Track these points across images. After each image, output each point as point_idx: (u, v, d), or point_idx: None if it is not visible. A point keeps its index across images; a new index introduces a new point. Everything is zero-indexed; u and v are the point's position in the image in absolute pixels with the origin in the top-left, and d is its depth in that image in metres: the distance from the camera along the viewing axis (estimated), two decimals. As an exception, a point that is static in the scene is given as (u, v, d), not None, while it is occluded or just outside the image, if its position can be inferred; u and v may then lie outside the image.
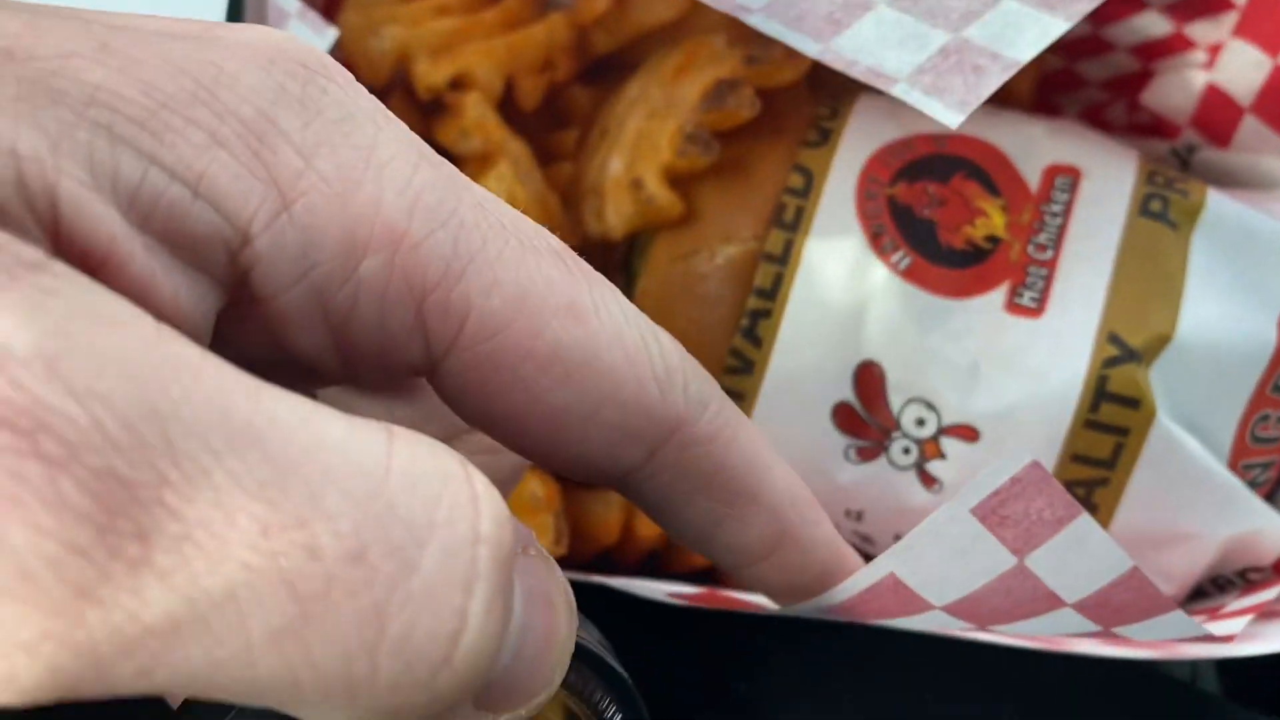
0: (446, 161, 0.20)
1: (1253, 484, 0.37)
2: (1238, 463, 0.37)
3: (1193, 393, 0.36)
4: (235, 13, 0.36)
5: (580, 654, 0.24)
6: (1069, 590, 0.30)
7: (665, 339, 0.22)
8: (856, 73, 0.29)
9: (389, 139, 0.19)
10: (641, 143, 0.40)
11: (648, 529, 0.41)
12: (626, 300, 0.22)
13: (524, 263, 0.20)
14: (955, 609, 0.30)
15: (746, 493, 0.23)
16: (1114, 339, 0.35)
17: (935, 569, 0.29)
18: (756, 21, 0.31)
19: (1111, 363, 0.35)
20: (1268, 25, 0.40)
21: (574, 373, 0.20)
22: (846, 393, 0.37)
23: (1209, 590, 0.39)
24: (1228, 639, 0.33)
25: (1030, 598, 0.30)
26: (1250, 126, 0.42)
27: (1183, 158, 0.44)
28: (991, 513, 0.29)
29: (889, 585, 0.29)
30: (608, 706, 0.24)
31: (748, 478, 0.23)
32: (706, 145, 0.38)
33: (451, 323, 0.20)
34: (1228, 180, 0.42)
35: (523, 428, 0.21)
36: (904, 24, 0.30)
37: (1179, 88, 0.46)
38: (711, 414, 0.22)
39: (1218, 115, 0.43)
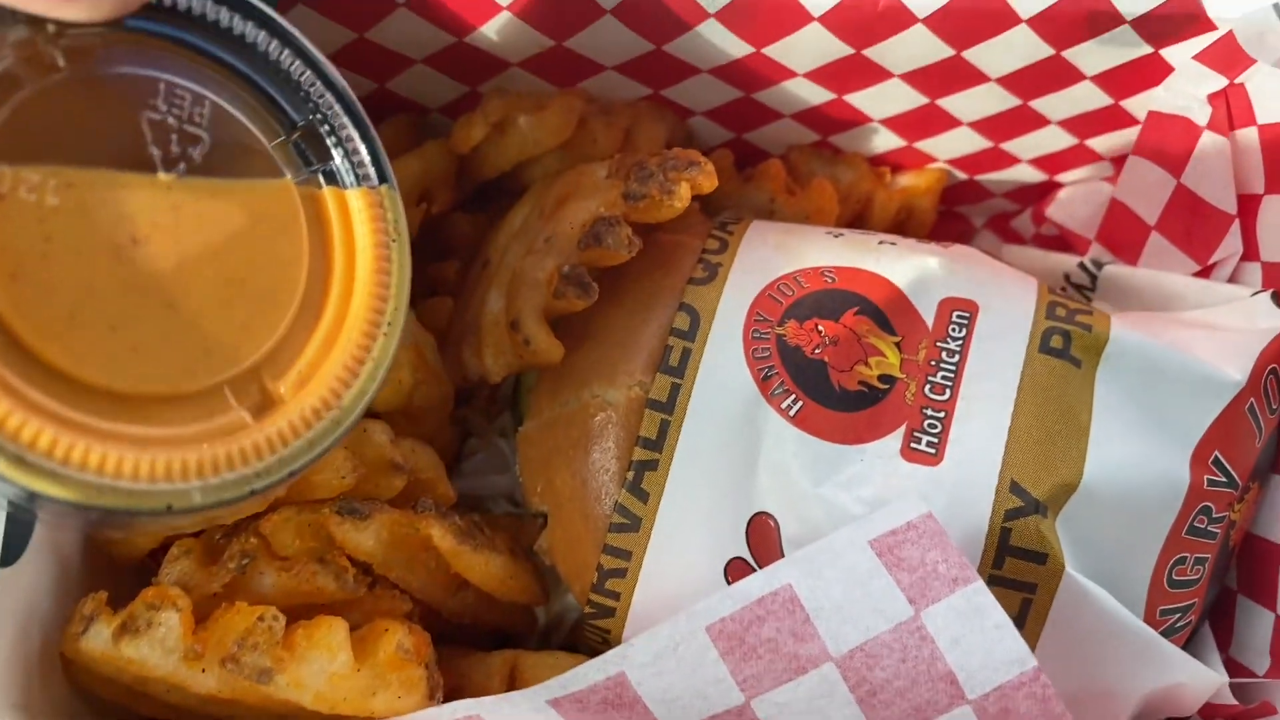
0: None
1: (1172, 629, 0.35)
2: (1155, 610, 0.35)
3: (1103, 542, 0.34)
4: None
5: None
6: (969, 677, 0.28)
7: None
8: None
9: None
10: (520, 281, 0.37)
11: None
12: None
13: None
14: (847, 665, 0.28)
15: None
16: (1016, 489, 0.33)
17: (832, 592, 0.28)
18: None
19: (1014, 514, 0.33)
20: (1169, 146, 0.39)
21: None
22: (740, 548, 0.34)
23: (1133, 742, 0.37)
24: None
25: (928, 675, 0.28)
26: (1157, 243, 0.41)
27: (1091, 272, 0.43)
28: (888, 550, 0.28)
29: (785, 599, 0.28)
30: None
31: None
32: (584, 287, 0.36)
33: None
34: (1134, 297, 0.41)
35: None
36: None
37: (1084, 201, 0.45)
38: None
39: (1123, 233, 0.42)
